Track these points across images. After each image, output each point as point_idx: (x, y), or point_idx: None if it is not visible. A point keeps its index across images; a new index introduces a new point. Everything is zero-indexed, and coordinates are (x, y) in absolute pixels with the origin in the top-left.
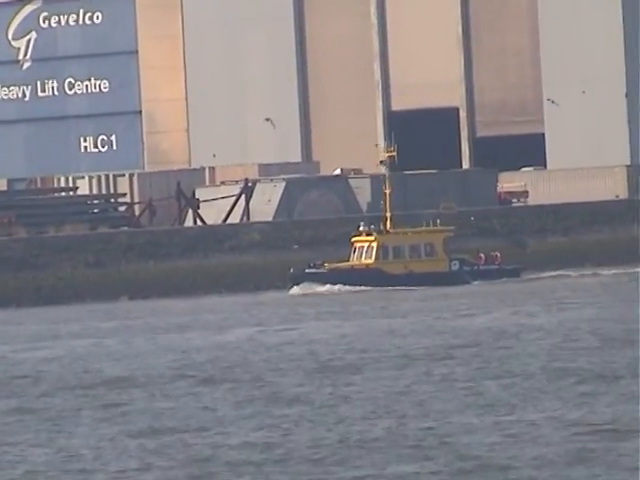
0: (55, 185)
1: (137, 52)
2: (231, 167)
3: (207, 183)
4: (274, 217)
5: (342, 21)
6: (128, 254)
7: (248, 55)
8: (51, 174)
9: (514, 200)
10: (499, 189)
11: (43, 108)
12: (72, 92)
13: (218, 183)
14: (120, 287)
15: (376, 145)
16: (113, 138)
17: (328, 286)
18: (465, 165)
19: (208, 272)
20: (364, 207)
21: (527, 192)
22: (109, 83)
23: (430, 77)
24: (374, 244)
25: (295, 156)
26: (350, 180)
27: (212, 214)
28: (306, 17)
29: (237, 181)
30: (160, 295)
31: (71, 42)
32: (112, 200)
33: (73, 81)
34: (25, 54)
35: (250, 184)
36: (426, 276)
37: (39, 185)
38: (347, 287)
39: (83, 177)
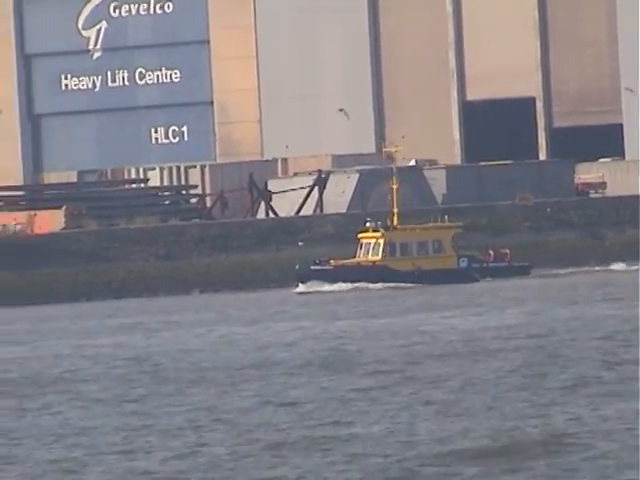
0: (126, 177)
1: (208, 42)
2: (304, 158)
3: (280, 174)
4: (348, 209)
5: (417, 10)
6: (200, 247)
7: (321, 44)
8: (122, 166)
9: (591, 191)
10: (576, 180)
11: (114, 98)
12: (143, 82)
13: (291, 174)
14: (191, 280)
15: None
16: (184, 129)
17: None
18: (542, 156)
19: (281, 265)
20: (439, 199)
21: (605, 183)
22: (180, 73)
23: (506, 66)
24: (381, 241)
25: (369, 147)
26: (425, 171)
27: (285, 206)
28: (380, 6)
29: (310, 172)
30: (232, 288)
31: (142, 32)
32: (183, 192)
33: (144, 71)
34: (95, 44)
35: (323, 175)
36: (434, 273)
37: (109, 177)
38: (353, 284)
39: (154, 168)
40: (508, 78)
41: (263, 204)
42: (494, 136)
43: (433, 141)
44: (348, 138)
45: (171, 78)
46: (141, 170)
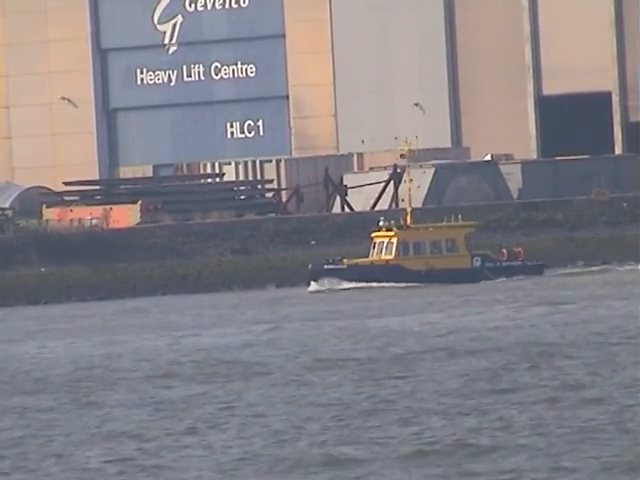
0: (201, 171)
1: (284, 36)
2: (379, 153)
3: (355, 169)
4: (423, 203)
5: (492, 3)
6: (275, 241)
7: (397, 38)
8: (197, 160)
9: None
10: None
11: (189, 93)
12: (218, 77)
13: (366, 169)
14: (267, 275)
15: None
16: (260, 123)
17: (347, 283)
18: (618, 150)
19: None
20: (515, 194)
21: None
22: (256, 67)
23: (582, 61)
24: (394, 240)
25: (444, 141)
26: (501, 166)
27: (360, 201)
28: None
29: (386, 167)
30: (308, 283)
31: (217, 26)
32: (259, 186)
33: (219, 65)
34: (171, 38)
35: (399, 170)
36: (447, 273)
37: (185, 171)
38: (366, 284)
39: (229, 163)
40: (584, 72)
41: (339, 199)
42: (570, 131)
43: (509, 136)
44: (424, 132)
45: (246, 72)
46: (216, 165)
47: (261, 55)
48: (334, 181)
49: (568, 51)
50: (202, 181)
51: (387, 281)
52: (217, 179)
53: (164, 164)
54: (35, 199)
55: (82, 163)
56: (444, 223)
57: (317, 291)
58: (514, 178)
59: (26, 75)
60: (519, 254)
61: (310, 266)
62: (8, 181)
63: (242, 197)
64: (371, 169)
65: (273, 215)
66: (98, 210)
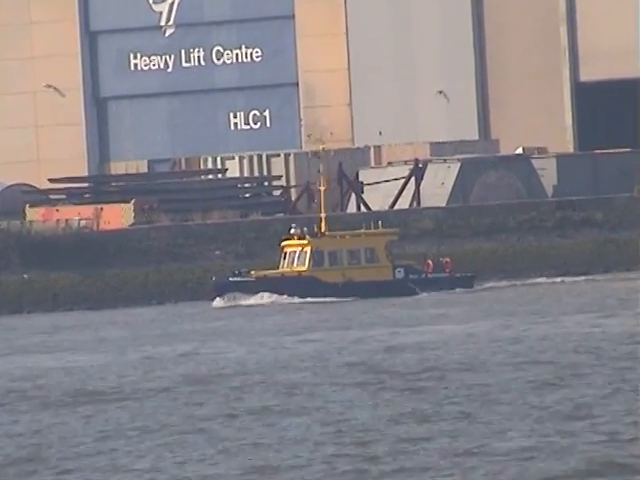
0: (201, 167)
1: (293, 17)
2: (399, 146)
3: (372, 164)
4: (448, 202)
5: None
6: None
7: (418, 19)
8: (197, 154)
9: None
10: None
11: (188, 80)
12: (220, 62)
13: (384, 164)
14: None
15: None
16: (266, 113)
17: (256, 297)
18: None
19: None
20: (549, 191)
21: None
22: (262, 52)
23: (623, 43)
24: (307, 249)
25: (471, 133)
26: (533, 160)
27: (378, 199)
28: None
29: (406, 162)
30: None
31: (219, 6)
32: (265, 183)
33: (221, 49)
34: (168, 19)
35: (421, 165)
36: (367, 285)
37: (183, 167)
38: (277, 298)
39: (233, 158)
40: (625, 56)
41: (354, 197)
42: (610, 121)
43: (542, 127)
44: (448, 123)
45: (252, 57)
46: (218, 159)
47: (268, 38)
48: (349, 177)
49: (608, 32)
50: (202, 178)
51: (300, 295)
52: (219, 175)
53: (160, 159)
54: (17, 198)
55: (69, 158)
56: (363, 230)
57: (223, 307)
58: (548, 174)
59: (6, 60)
60: (447, 265)
61: (214, 278)
62: None
63: (247, 195)
64: (390, 164)
65: (281, 215)
66: (87, 210)
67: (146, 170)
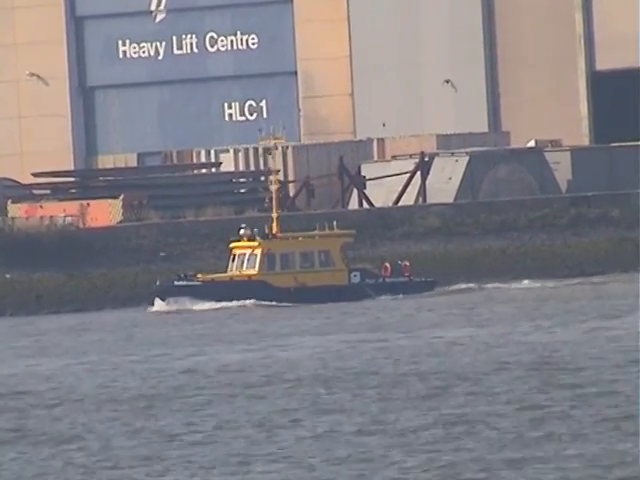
0: (194, 160)
1: (292, 1)
2: (404, 138)
3: (375, 157)
4: (455, 198)
5: None
6: None
7: (424, 4)
8: (189, 147)
9: None
10: None
11: (180, 68)
12: (214, 49)
13: (388, 157)
14: None
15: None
16: (263, 104)
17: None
18: None
19: (376, 263)
20: (563, 186)
21: None
22: (258, 38)
23: None
24: (257, 251)
25: (480, 125)
26: (546, 153)
27: (381, 194)
28: None
29: (411, 155)
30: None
31: None
32: (262, 178)
33: (215, 36)
34: (158, 4)
35: (427, 159)
36: (321, 290)
37: (175, 161)
38: (225, 303)
39: (227, 151)
40: None
41: (356, 192)
42: (628, 112)
43: (556, 118)
44: (456, 114)
45: (247, 44)
46: (212, 152)
47: (265, 24)
48: (350, 172)
49: (625, 19)
50: (195, 172)
51: (249, 300)
52: (213, 169)
53: (150, 152)
54: None
55: (54, 150)
56: (317, 232)
57: (163, 312)
58: (562, 168)
59: None
60: (405, 269)
61: (158, 282)
62: None
63: (242, 191)
64: (394, 157)
65: (279, 212)
66: (73, 206)
67: (135, 164)
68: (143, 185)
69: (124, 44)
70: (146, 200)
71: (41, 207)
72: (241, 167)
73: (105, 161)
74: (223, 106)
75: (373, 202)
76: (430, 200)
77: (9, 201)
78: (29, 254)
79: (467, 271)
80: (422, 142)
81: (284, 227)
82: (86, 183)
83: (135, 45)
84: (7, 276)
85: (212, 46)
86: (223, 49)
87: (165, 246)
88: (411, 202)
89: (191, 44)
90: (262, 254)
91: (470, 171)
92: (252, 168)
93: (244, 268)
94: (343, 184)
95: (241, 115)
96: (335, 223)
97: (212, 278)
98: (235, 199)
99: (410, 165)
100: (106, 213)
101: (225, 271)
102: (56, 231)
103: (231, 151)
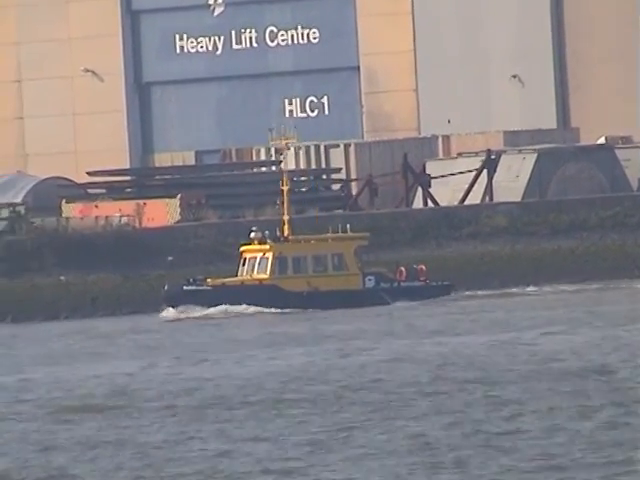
0: (254, 158)
1: None
2: (470, 135)
3: (440, 155)
4: (523, 197)
5: None
6: None
7: None
8: (249, 145)
9: None
10: None
11: (239, 63)
12: (274, 44)
13: (454, 155)
14: None
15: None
16: (325, 100)
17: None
18: None
19: (442, 265)
20: (634, 184)
21: None
22: (319, 32)
23: None
24: (269, 255)
25: (549, 121)
26: (617, 150)
27: (446, 193)
28: None
29: (477, 152)
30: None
31: None
32: (324, 177)
33: (275, 30)
34: None
35: (493, 156)
36: (335, 295)
37: (234, 158)
38: (236, 308)
39: (288, 148)
40: None
41: (420, 191)
42: None
43: (627, 114)
44: (523, 110)
45: (308, 38)
46: (272, 150)
47: (326, 17)
48: (415, 170)
49: None
50: (254, 170)
51: (261, 305)
52: (273, 168)
53: (208, 150)
54: (53, 193)
55: (109, 149)
56: (329, 235)
57: (175, 319)
58: (633, 165)
59: (41, 42)
60: (421, 272)
61: (166, 287)
62: (20, 170)
63: (303, 190)
64: (459, 155)
65: (341, 212)
66: (129, 206)
67: (193, 162)
68: (201, 184)
69: (181, 39)
70: (204, 199)
71: (96, 207)
72: (302, 165)
73: (162, 159)
74: (283, 102)
75: (438, 201)
76: (497, 199)
77: (63, 201)
78: (84, 255)
79: (535, 272)
80: (488, 139)
81: (344, 227)
82: (142, 182)
83: (193, 40)
84: (62, 278)
85: (272, 40)
86: (283, 43)
87: (224, 246)
88: (477, 201)
89: (250, 38)
90: (273, 257)
91: (538, 169)
92: (313, 166)
93: (255, 272)
94: (407, 183)
95: (302, 111)
96: (348, 226)
97: (223, 282)
98: (296, 198)
99: (476, 163)
100: (163, 213)
101: (235, 275)
102: (112, 231)
103: (292, 149)
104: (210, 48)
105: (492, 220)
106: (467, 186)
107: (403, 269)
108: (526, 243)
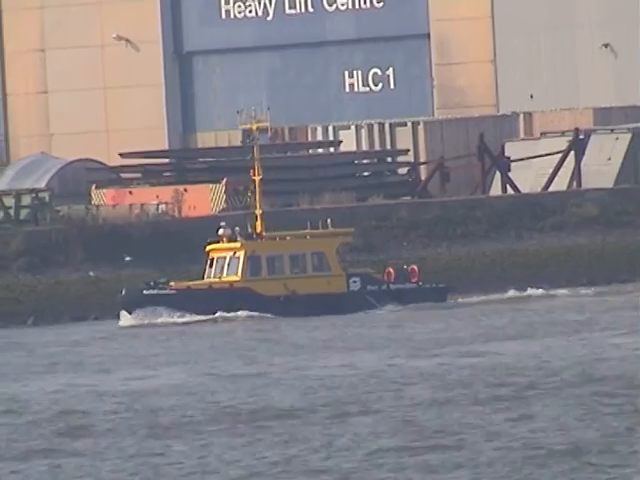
0: (309, 138)
1: None
2: (555, 112)
3: (521, 135)
4: (616, 182)
5: None
6: (411, 234)
7: None
8: (304, 123)
9: None
10: None
11: (292, 31)
12: (333, 8)
13: (537, 135)
14: None
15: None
16: (390, 72)
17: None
18: None
19: (523, 258)
20: None
21: None
22: None
23: None
24: (240, 254)
25: None
26: None
27: (529, 178)
28: None
29: (563, 132)
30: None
31: None
32: (389, 159)
33: None
34: None
35: (582, 136)
36: (315, 299)
37: (287, 139)
38: (201, 315)
39: (348, 127)
40: None
41: (499, 176)
42: None
43: None
44: (616, 84)
45: (372, 2)
46: (330, 129)
47: None
48: (492, 152)
49: None
50: (310, 152)
51: (231, 311)
52: (331, 149)
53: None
54: (81, 177)
55: (145, 127)
56: (308, 231)
57: (132, 325)
58: None
59: (68, 7)
60: (413, 273)
61: (124, 291)
62: (44, 152)
63: (365, 174)
64: (543, 135)
65: (408, 199)
66: (167, 192)
67: (240, 143)
68: (249, 167)
69: (227, 2)
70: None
71: (130, 193)
72: (364, 146)
73: (205, 139)
74: (343, 75)
75: (519, 187)
76: (586, 185)
77: (93, 186)
78: (116, 248)
79: (629, 267)
80: (576, 117)
81: (412, 216)
82: (183, 165)
83: (240, 3)
84: (91, 274)
85: (330, 5)
86: (343, 8)
87: None
88: (564, 187)
89: (306, 3)
90: (245, 257)
91: (633, 151)
92: (377, 147)
93: (224, 274)
94: (484, 166)
95: (364, 85)
96: (329, 221)
97: (188, 286)
98: (357, 183)
99: (562, 144)
100: (206, 200)
101: (202, 278)
102: (148, 221)
103: (352, 128)
104: (260, 13)
105: (580, 209)
106: (552, 170)
107: (392, 270)
108: (619, 235)
